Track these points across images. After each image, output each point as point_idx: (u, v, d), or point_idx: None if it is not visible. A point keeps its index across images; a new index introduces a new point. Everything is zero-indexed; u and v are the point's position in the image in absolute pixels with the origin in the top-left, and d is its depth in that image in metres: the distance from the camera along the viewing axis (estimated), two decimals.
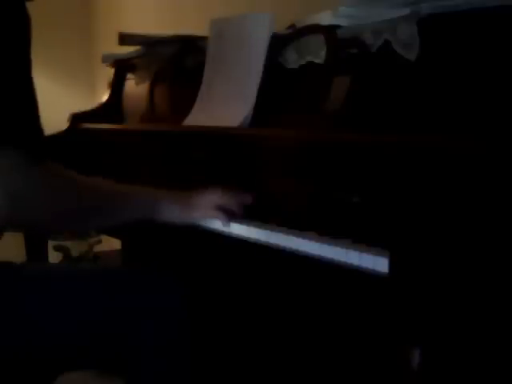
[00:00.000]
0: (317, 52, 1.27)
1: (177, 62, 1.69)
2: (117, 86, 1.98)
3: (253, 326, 1.51)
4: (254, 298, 1.39)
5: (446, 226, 0.80)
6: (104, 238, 2.88)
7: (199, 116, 1.50)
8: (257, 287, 1.11)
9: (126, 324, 0.98)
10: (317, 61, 1.27)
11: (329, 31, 1.24)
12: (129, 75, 1.96)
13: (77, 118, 1.91)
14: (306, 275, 0.95)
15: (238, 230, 1.09)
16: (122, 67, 1.97)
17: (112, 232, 1.65)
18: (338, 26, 1.24)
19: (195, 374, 1.04)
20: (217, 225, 1.13)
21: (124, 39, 1.82)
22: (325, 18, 1.27)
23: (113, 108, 1.97)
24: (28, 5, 0.93)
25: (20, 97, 0.90)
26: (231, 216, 1.11)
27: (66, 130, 1.90)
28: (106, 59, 2.01)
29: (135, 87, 1.90)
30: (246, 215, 1.11)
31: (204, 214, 1.13)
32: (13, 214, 0.90)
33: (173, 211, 1.11)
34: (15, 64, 0.89)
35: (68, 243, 2.85)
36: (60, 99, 2.95)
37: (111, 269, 1.18)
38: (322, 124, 1.18)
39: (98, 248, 2.96)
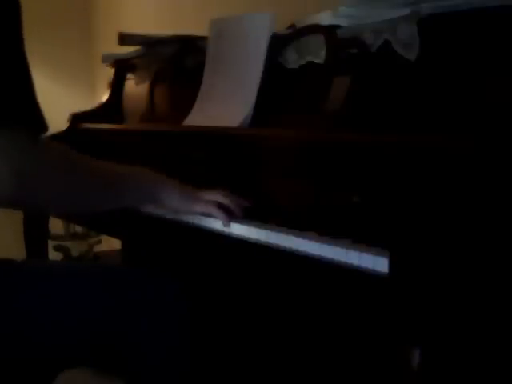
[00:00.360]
0: (317, 52, 1.27)
1: (177, 62, 1.69)
2: (117, 85, 1.98)
3: (253, 326, 1.51)
4: (253, 298, 1.39)
5: (446, 226, 0.80)
6: (104, 237, 2.88)
7: (199, 116, 1.50)
8: (257, 287, 1.11)
9: (125, 322, 0.98)
10: (317, 61, 1.27)
11: (329, 31, 1.24)
12: (129, 75, 1.96)
13: (77, 118, 1.91)
14: (306, 275, 0.95)
15: (238, 229, 1.09)
16: (122, 67, 1.97)
17: (112, 232, 1.65)
18: (337, 26, 1.24)
19: (195, 373, 1.04)
20: (217, 225, 1.13)
21: (124, 39, 1.82)
22: (325, 18, 1.27)
23: (113, 108, 1.97)
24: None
25: (15, 75, 0.89)
26: (231, 216, 1.11)
27: (66, 130, 1.90)
28: (105, 59, 2.01)
29: (135, 87, 1.90)
30: (246, 215, 1.11)
31: (205, 209, 1.12)
32: (18, 192, 0.89)
33: (172, 199, 1.10)
34: (7, 42, 0.89)
35: (68, 243, 2.85)
36: (60, 99, 2.95)
37: (111, 267, 1.18)
38: (322, 124, 1.18)
39: (98, 248, 2.96)
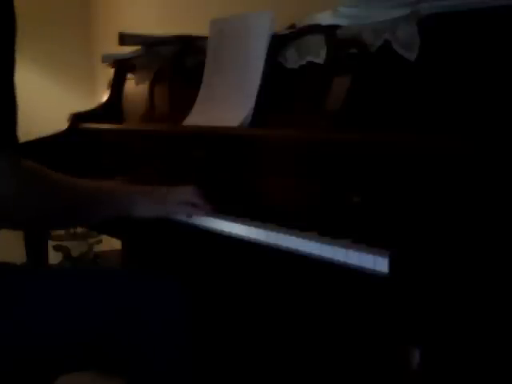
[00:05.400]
0: (317, 52, 1.27)
1: (177, 62, 1.69)
2: (117, 86, 1.98)
3: (253, 326, 1.51)
4: (253, 298, 1.39)
5: (446, 226, 0.80)
6: (104, 237, 2.88)
7: (199, 116, 1.50)
8: (257, 287, 1.11)
9: (126, 323, 0.98)
10: (317, 61, 1.27)
11: (329, 31, 1.24)
12: (129, 75, 1.96)
13: (77, 118, 1.91)
14: (306, 275, 0.95)
15: (238, 230, 1.09)
16: (122, 67, 1.97)
17: (112, 232, 1.65)
18: (338, 26, 1.24)
19: (196, 374, 1.04)
20: (217, 225, 1.13)
21: (124, 39, 1.82)
22: (325, 18, 1.27)
23: (113, 108, 1.97)
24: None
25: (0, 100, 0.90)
26: (200, 212, 1.16)
27: (66, 130, 1.90)
28: (105, 59, 2.01)
29: (135, 87, 1.90)
30: (246, 215, 1.11)
31: (177, 210, 1.17)
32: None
33: (145, 210, 1.15)
34: None
35: (68, 243, 2.85)
36: (60, 99, 2.95)
37: (111, 269, 1.18)
38: (322, 124, 1.18)
39: (98, 248, 2.96)
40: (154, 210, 1.16)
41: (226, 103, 1.44)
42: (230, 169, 1.32)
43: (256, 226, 1.05)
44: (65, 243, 2.83)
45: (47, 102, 2.87)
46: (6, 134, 0.91)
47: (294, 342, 1.40)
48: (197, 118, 1.50)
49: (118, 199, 1.13)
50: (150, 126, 1.68)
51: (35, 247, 1.80)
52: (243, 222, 1.08)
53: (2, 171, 0.90)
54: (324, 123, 1.17)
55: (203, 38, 1.59)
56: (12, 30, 0.91)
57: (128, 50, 1.92)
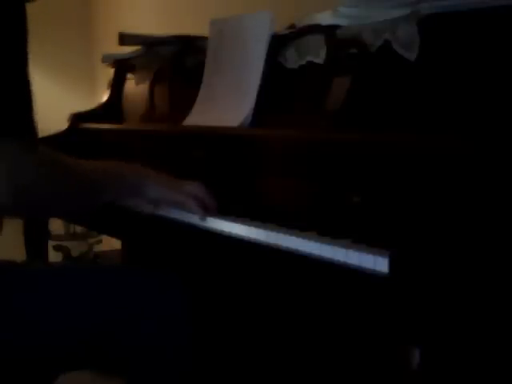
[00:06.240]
0: (317, 52, 1.27)
1: (177, 62, 1.69)
2: (117, 86, 1.98)
3: (253, 326, 1.51)
4: (254, 298, 1.39)
5: (446, 226, 0.80)
6: (104, 237, 2.88)
7: (199, 116, 1.50)
8: (257, 287, 1.11)
9: (126, 322, 0.98)
10: (317, 61, 1.27)
11: (329, 31, 1.24)
12: (129, 75, 1.96)
13: (77, 118, 1.91)
14: (306, 275, 0.95)
15: (238, 230, 1.09)
16: (122, 67, 1.97)
17: (112, 232, 1.65)
18: (338, 26, 1.24)
19: (196, 374, 1.04)
20: (217, 225, 1.13)
21: (124, 39, 1.82)
22: (325, 18, 1.27)
23: (113, 108, 1.97)
24: (28, 5, 0.93)
25: (16, 89, 0.91)
26: (207, 210, 1.14)
27: (66, 130, 1.90)
28: (106, 59, 2.01)
29: (135, 87, 1.90)
30: (246, 215, 1.11)
31: (184, 200, 1.14)
32: (15, 202, 0.91)
33: (156, 190, 1.13)
34: (12, 59, 0.90)
35: (68, 243, 2.85)
36: (60, 99, 2.95)
37: (112, 268, 1.18)
38: (322, 124, 1.18)
39: (98, 248, 2.96)
40: (162, 194, 1.14)
41: (226, 103, 1.44)
42: (229, 169, 1.32)
43: (256, 226, 1.05)
44: (65, 243, 2.83)
45: (47, 102, 2.86)
46: (20, 121, 0.91)
47: (294, 341, 1.40)
48: (197, 117, 1.50)
49: (130, 177, 1.12)
50: (150, 126, 1.68)
51: (35, 247, 1.80)
52: (243, 222, 1.08)
53: (17, 157, 0.90)
54: (324, 123, 1.17)
55: (203, 38, 1.59)
56: (24, 23, 0.92)
57: (128, 50, 1.92)
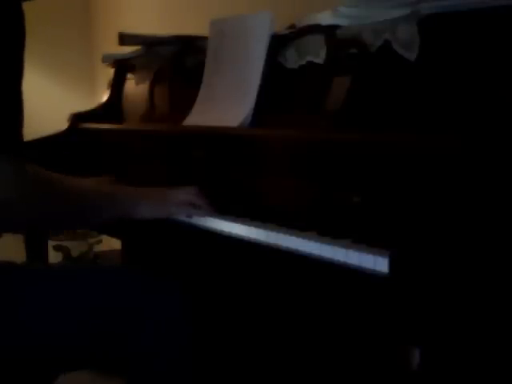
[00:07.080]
0: (317, 52, 1.27)
1: (177, 62, 1.69)
2: (117, 86, 1.98)
3: (253, 326, 1.51)
4: (254, 298, 1.39)
5: (446, 226, 0.80)
6: (104, 237, 2.88)
7: (199, 116, 1.50)
8: (257, 287, 1.11)
9: (126, 324, 0.98)
10: (317, 61, 1.27)
11: (329, 31, 1.24)
12: (129, 75, 1.96)
13: (77, 118, 1.91)
14: (306, 275, 0.95)
15: (238, 230, 1.09)
16: (122, 67, 1.97)
17: (112, 232, 1.65)
18: (338, 26, 1.24)
19: (196, 374, 1.04)
20: (217, 225, 1.13)
21: (124, 39, 1.82)
22: (325, 18, 1.27)
23: (113, 108, 1.97)
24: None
25: (7, 104, 0.91)
26: (197, 211, 1.16)
27: (66, 130, 1.90)
28: (106, 59, 2.01)
29: (135, 87, 1.90)
30: (246, 215, 1.11)
31: (178, 211, 1.17)
32: (4, 217, 0.91)
33: (148, 208, 1.14)
34: (6, 69, 0.90)
35: (68, 243, 2.85)
36: (60, 99, 2.94)
37: (111, 268, 1.18)
38: (322, 124, 1.18)
39: (98, 248, 2.96)
40: (155, 211, 1.15)
41: (226, 103, 1.44)
42: (229, 169, 1.32)
43: (256, 226, 1.05)
44: (65, 243, 2.83)
45: (47, 102, 2.86)
46: (11, 138, 0.92)
47: (294, 341, 1.40)
48: (197, 117, 1.50)
49: (120, 202, 1.12)
50: (150, 126, 1.68)
51: (35, 247, 1.80)
52: (243, 222, 1.08)
53: (6, 175, 0.90)
54: (324, 123, 1.17)
55: (203, 38, 1.59)
56: (21, 38, 0.91)
57: (128, 50, 1.92)
